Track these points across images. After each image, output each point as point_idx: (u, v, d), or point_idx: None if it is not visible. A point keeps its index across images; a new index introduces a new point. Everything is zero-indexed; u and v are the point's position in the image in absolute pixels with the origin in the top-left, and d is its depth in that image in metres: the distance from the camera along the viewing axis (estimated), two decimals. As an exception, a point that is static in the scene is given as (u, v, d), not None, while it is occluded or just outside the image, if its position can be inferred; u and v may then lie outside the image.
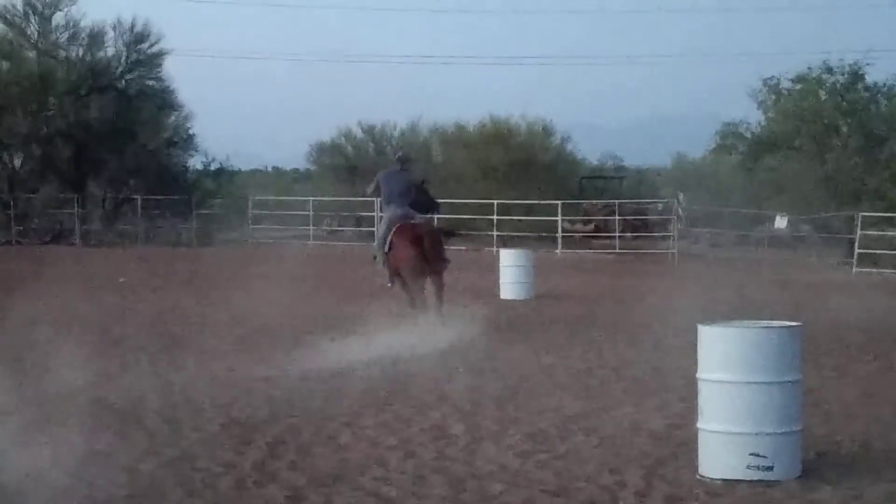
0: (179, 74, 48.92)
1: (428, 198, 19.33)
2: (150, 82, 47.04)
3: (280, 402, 11.92)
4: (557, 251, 38.18)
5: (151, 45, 46.42)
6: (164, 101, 47.02)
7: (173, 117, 47.49)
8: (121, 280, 27.04)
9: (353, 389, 12.67)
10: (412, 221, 18.00)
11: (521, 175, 45.76)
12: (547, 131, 49.49)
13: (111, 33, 46.14)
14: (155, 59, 46.65)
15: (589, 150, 53.10)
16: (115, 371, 13.39)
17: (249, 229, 43.15)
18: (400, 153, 19.30)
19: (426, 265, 17.48)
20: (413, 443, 10.03)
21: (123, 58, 46.33)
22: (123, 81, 46.55)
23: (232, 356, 14.85)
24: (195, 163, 48.53)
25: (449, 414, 11.27)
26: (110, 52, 46.39)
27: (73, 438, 9.98)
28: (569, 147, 50.62)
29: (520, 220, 40.46)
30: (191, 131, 47.60)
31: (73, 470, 9.06)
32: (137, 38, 46.20)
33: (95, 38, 45.96)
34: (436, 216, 19.99)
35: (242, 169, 56.60)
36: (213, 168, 48.18)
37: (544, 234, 39.49)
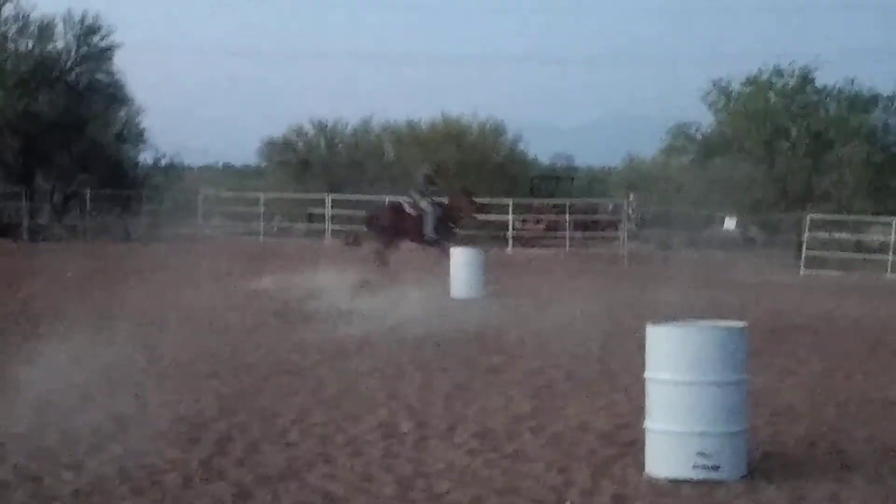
0: (130, 68, 48.51)
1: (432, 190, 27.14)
2: (100, 76, 46.62)
3: (228, 398, 11.89)
4: (508, 250, 38.24)
5: (102, 39, 46.05)
6: (114, 95, 46.64)
7: (123, 111, 47.12)
8: (68, 275, 26.84)
9: (303, 387, 12.65)
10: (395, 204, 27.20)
11: (472, 174, 45.77)
12: (499, 130, 49.56)
13: (61, 26, 45.74)
14: (105, 53, 46.27)
15: (540, 149, 53.20)
16: (60, 366, 13.28)
17: (199, 225, 42.93)
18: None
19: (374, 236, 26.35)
20: (361, 440, 10.02)
21: (73, 51, 45.91)
22: (73, 74, 46.13)
23: (180, 352, 14.77)
24: (145, 157, 48.21)
25: (398, 412, 11.27)
26: (60, 44, 45.95)
27: (17, 435, 9.90)
28: (520, 146, 50.70)
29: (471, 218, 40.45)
30: (141, 126, 47.29)
31: (18, 466, 8.99)
32: (88, 31, 45.79)
33: (45, 30, 45.53)
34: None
35: (193, 164, 56.29)
36: (163, 163, 47.87)
37: (496, 233, 39.51)
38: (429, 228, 25.77)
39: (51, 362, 13.46)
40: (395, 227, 25.99)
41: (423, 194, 26.28)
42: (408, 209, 26.19)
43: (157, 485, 8.60)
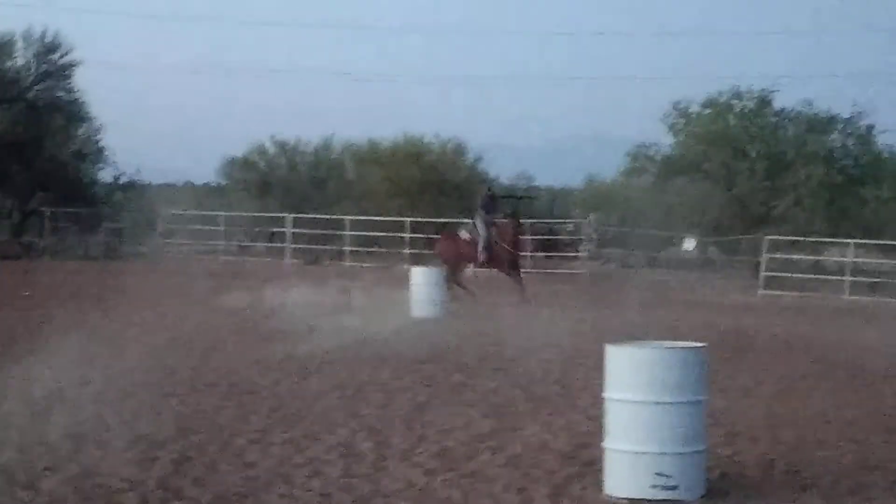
0: (90, 86, 48.33)
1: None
2: (60, 94, 46.43)
3: (187, 417, 11.83)
4: (469, 269, 38.20)
5: (62, 56, 45.89)
6: (73, 112, 46.43)
7: (83, 129, 46.91)
8: (26, 293, 26.66)
9: (261, 406, 12.61)
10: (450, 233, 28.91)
11: (433, 193, 45.82)
12: (460, 150, 49.60)
13: (21, 43, 45.56)
14: (65, 71, 46.09)
15: (501, 169, 53.08)
16: (18, 385, 13.19)
17: (159, 243, 42.74)
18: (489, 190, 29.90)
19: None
20: (320, 460, 9.99)
21: (33, 68, 45.72)
22: (33, 92, 45.91)
23: (139, 371, 14.69)
24: (105, 176, 47.99)
25: (357, 431, 11.25)
26: (20, 62, 45.78)
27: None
28: (481, 166, 50.76)
29: (433, 237, 40.48)
30: (100, 144, 47.08)
31: (-28, 486, 8.91)
32: (48, 48, 45.62)
33: (4, 47, 45.32)
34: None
35: (153, 182, 55.90)
36: (122, 181, 47.66)
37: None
38: (480, 250, 26.96)
39: (7, 380, 13.36)
40: (452, 255, 27.21)
41: (485, 215, 27.35)
42: (463, 235, 27.54)
43: (114, 505, 8.55)
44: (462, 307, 24.27)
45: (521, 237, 28.53)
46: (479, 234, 27.10)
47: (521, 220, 29.40)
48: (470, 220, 28.26)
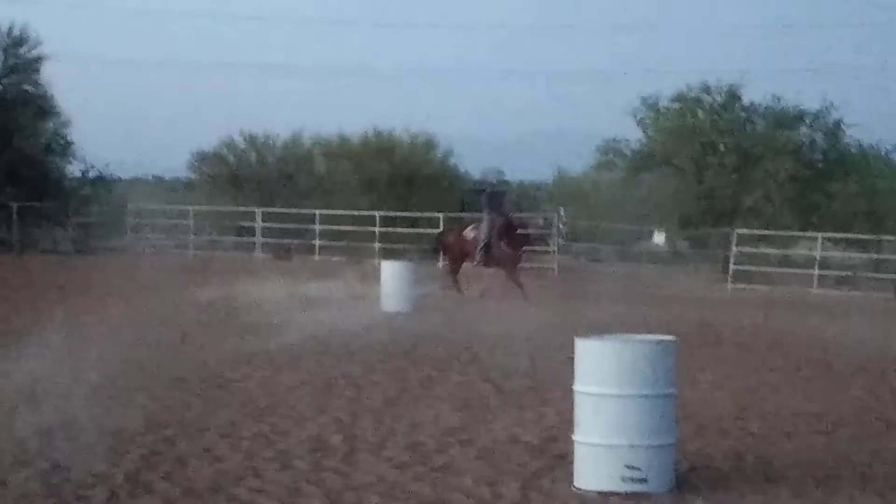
0: (58, 80, 47.98)
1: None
2: (28, 87, 46.15)
3: (156, 412, 11.80)
4: (440, 263, 38.20)
5: (30, 50, 45.61)
6: (41, 106, 46.15)
7: (51, 123, 46.62)
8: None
9: (231, 400, 12.59)
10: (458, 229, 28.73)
11: (403, 187, 45.80)
12: (430, 144, 49.57)
13: (-12, 37, 45.20)
14: (33, 64, 45.80)
15: (472, 163, 53.02)
16: (-14, 380, 13.11)
17: (128, 238, 42.57)
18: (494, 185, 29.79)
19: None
20: (290, 454, 9.98)
21: (0, 62, 45.43)
22: (0, 86, 45.61)
23: (108, 366, 14.63)
24: (73, 170, 47.73)
25: (327, 425, 11.24)
26: (-14, 56, 45.43)
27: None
28: (452, 160, 50.75)
29: (402, 232, 40.49)
30: (69, 138, 46.82)
31: (-60, 481, 8.87)
32: (15, 41, 45.32)
33: (-29, 41, 45.00)
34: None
35: (122, 177, 55.63)
36: (91, 176, 47.43)
37: (427, 247, 39.48)
38: (478, 250, 27.22)
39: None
40: (456, 251, 27.70)
41: (489, 214, 27.48)
42: (468, 234, 27.74)
43: (84, 500, 8.52)
44: (432, 301, 24.26)
45: (517, 232, 28.17)
46: (482, 234, 27.33)
47: (510, 215, 29.37)
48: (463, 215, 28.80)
